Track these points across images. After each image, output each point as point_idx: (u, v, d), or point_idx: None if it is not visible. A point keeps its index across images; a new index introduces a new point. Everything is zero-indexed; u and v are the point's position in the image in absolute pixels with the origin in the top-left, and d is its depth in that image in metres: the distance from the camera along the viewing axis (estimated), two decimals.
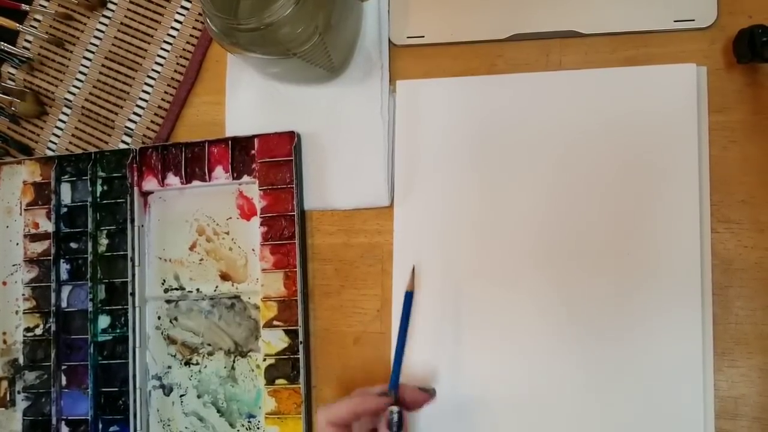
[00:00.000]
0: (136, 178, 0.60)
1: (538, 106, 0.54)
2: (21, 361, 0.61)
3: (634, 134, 0.52)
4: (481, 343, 0.53)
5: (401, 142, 0.56)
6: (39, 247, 0.61)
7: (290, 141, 0.57)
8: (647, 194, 0.51)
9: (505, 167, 0.54)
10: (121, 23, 0.64)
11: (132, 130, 0.63)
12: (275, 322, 0.56)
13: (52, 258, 0.60)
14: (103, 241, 0.60)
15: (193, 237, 0.60)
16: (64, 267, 0.61)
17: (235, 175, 0.59)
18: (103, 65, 0.64)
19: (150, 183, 0.60)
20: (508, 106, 0.54)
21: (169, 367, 0.60)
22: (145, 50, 0.63)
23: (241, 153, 0.59)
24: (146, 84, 0.63)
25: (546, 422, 0.52)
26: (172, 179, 0.60)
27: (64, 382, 0.60)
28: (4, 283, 0.63)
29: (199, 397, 0.59)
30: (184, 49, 0.62)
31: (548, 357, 0.52)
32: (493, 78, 0.55)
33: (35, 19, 0.66)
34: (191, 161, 0.60)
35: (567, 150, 0.53)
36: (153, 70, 0.63)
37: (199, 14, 0.62)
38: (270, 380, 0.56)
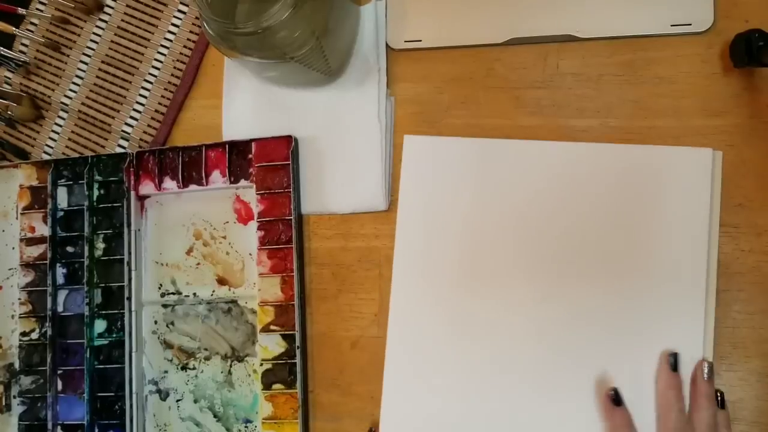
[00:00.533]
0: (132, 182, 0.60)
1: (544, 170, 0.54)
2: (17, 365, 0.61)
3: (643, 205, 0.52)
4: (474, 349, 0.53)
5: (405, 187, 0.56)
6: (35, 251, 0.61)
7: (287, 145, 0.57)
8: (652, 243, 0.51)
9: (508, 212, 0.54)
10: (118, 27, 0.64)
11: (129, 134, 0.63)
12: (272, 327, 0.56)
13: (48, 262, 0.60)
14: (100, 245, 0.60)
15: (189, 241, 0.60)
16: (60, 271, 0.61)
17: (232, 179, 0.58)
18: (99, 69, 0.64)
19: (147, 187, 0.60)
20: (515, 167, 0.54)
21: (166, 371, 0.60)
22: (142, 54, 0.63)
23: (238, 157, 0.59)
24: (143, 88, 0.63)
25: (540, 427, 0.51)
26: (169, 183, 0.60)
27: (60, 386, 0.59)
28: (0, 287, 0.63)
29: (195, 402, 0.59)
30: (181, 53, 0.62)
31: (544, 361, 0.52)
32: (497, 142, 0.55)
33: (32, 23, 0.66)
34: (188, 165, 0.59)
35: (571, 201, 0.53)
36: (150, 74, 0.63)
37: (196, 18, 0.62)
38: (267, 385, 0.56)
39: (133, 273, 0.59)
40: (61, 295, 0.61)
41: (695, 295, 0.50)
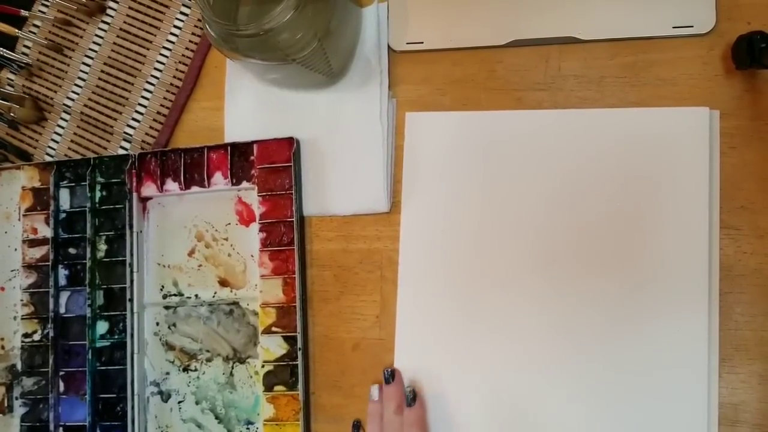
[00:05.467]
0: (135, 184, 0.60)
1: (544, 140, 0.54)
2: (19, 366, 0.61)
3: (643, 168, 0.52)
4: (482, 347, 0.53)
5: (409, 165, 0.56)
6: (37, 252, 0.61)
7: (289, 147, 0.57)
8: (654, 209, 0.51)
9: (511, 186, 0.54)
10: (120, 29, 0.64)
11: (131, 135, 0.63)
12: (274, 329, 0.56)
13: (50, 264, 0.60)
14: (102, 247, 0.60)
15: (191, 243, 0.60)
16: (62, 273, 0.61)
17: (234, 181, 0.58)
18: (102, 71, 0.64)
19: (149, 189, 0.60)
20: (516, 139, 0.54)
21: (168, 373, 0.60)
22: (144, 56, 0.63)
23: (240, 159, 0.59)
24: (145, 90, 0.63)
25: (547, 425, 0.51)
26: (171, 185, 0.60)
27: (62, 388, 0.59)
28: (2, 289, 0.63)
29: (197, 403, 0.59)
30: (183, 55, 0.62)
31: (551, 360, 0.52)
32: (498, 114, 0.55)
33: (34, 25, 0.66)
34: (190, 167, 0.59)
35: (574, 172, 0.53)
36: (152, 75, 0.63)
37: (199, 20, 0.62)
38: (268, 387, 0.56)
39: (135, 275, 0.59)
40: (63, 296, 0.61)
41: (698, 278, 0.50)
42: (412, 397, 0.51)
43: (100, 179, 0.61)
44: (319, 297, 0.58)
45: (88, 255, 0.60)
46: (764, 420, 0.49)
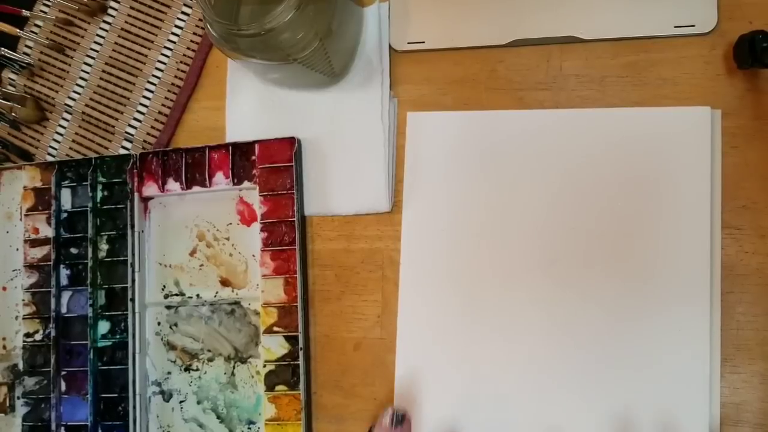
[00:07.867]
0: (136, 184, 0.60)
1: (546, 140, 0.54)
2: (20, 366, 0.61)
3: (645, 168, 0.52)
4: (484, 347, 0.53)
5: (410, 164, 0.57)
6: (39, 252, 0.61)
7: (291, 147, 0.57)
8: (656, 208, 0.51)
9: (513, 185, 0.54)
10: (122, 29, 0.64)
11: (132, 135, 0.63)
12: (275, 328, 0.56)
13: (52, 263, 0.60)
14: (103, 247, 0.60)
15: (193, 242, 0.60)
16: (64, 272, 0.61)
17: (235, 180, 0.59)
18: (103, 71, 0.64)
19: (150, 188, 0.60)
20: (518, 138, 0.55)
21: (169, 373, 0.60)
22: (146, 56, 0.63)
23: (241, 159, 0.59)
24: (146, 89, 0.63)
25: (549, 425, 0.51)
26: (173, 185, 0.60)
27: (63, 387, 0.59)
28: (4, 289, 0.63)
29: (198, 403, 0.59)
30: (184, 55, 0.62)
31: (553, 360, 0.52)
32: (500, 113, 0.55)
33: (36, 25, 0.66)
34: (191, 167, 0.60)
35: (576, 172, 0.53)
36: (153, 75, 0.63)
37: (200, 20, 0.62)
38: (270, 386, 0.56)
39: (136, 274, 0.59)
40: (65, 296, 0.61)
41: (699, 278, 0.50)
42: (401, 419, 0.48)
43: (101, 179, 0.61)
44: (320, 297, 0.58)
45: (90, 255, 0.60)
46: (766, 420, 0.49)
